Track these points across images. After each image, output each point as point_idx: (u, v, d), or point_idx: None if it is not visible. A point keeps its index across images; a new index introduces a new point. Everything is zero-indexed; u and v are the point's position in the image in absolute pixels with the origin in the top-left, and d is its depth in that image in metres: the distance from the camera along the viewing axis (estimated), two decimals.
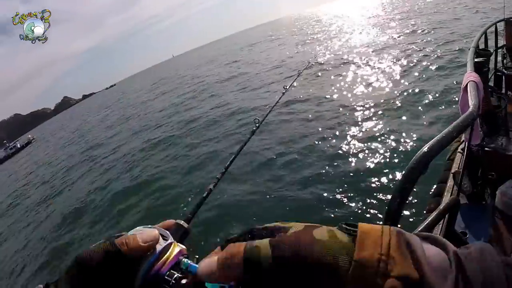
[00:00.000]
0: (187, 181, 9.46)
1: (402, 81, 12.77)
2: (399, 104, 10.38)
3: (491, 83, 4.98)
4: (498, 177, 2.96)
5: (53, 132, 64.90)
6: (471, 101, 1.73)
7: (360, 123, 9.67)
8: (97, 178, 14.34)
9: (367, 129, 9.10)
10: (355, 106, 11.17)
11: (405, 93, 11.15)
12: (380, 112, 10.11)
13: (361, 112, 10.55)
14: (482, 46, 4.06)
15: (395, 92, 11.67)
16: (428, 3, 39.72)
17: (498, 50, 5.28)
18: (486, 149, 3.00)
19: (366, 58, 18.80)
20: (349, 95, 12.78)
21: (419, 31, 22.37)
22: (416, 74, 13.07)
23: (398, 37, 22.90)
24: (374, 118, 9.77)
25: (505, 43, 5.76)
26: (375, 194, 6.24)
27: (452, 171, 2.82)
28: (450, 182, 2.73)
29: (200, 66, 53.30)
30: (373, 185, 6.55)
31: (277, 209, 6.53)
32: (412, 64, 14.68)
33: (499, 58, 5.53)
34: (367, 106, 10.89)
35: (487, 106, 2.96)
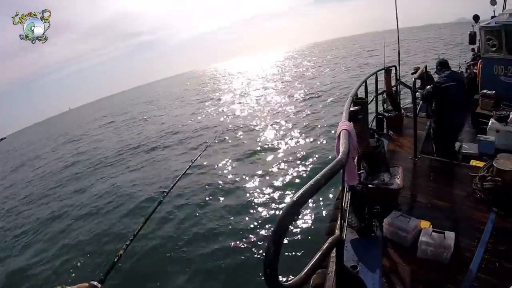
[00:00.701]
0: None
1: (295, 136, 14.00)
2: (293, 157, 11.42)
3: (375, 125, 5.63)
4: (383, 210, 3.30)
5: None
6: (341, 149, 1.94)
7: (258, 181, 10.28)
8: None
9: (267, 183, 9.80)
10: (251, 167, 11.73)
11: (299, 147, 12.39)
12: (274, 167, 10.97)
13: (257, 170, 11.16)
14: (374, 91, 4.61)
15: (289, 146, 12.88)
16: (325, 61, 43.60)
17: (379, 96, 5.96)
18: (369, 186, 3.35)
19: (260, 117, 19.84)
20: (247, 155, 13.23)
21: (309, 91, 24.82)
22: (308, 131, 14.36)
23: (291, 96, 24.81)
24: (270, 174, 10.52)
25: (385, 89, 6.56)
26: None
27: (341, 209, 3.08)
28: (340, 220, 2.98)
29: (94, 121, 48.56)
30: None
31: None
32: (304, 122, 16.11)
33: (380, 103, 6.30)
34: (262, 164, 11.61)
35: (366, 148, 3.34)
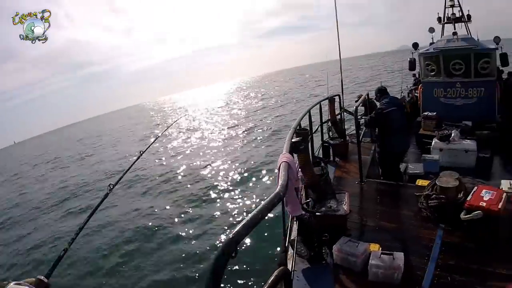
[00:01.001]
0: None
1: (239, 170, 14.17)
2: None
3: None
4: (332, 237, 3.35)
5: None
6: (280, 181, 1.95)
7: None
8: None
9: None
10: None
11: (243, 181, 12.71)
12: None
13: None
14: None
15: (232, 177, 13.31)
16: (273, 91, 44.36)
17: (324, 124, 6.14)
18: (317, 214, 3.41)
19: (205, 153, 19.73)
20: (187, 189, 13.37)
21: (256, 124, 25.52)
22: (255, 165, 14.55)
23: (237, 130, 25.21)
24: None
25: (329, 117, 6.81)
26: None
27: (289, 240, 3.10)
28: (290, 250, 2.99)
29: (39, 156, 45.18)
30: None
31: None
32: (248, 155, 16.50)
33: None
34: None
35: (311, 177, 3.42)
